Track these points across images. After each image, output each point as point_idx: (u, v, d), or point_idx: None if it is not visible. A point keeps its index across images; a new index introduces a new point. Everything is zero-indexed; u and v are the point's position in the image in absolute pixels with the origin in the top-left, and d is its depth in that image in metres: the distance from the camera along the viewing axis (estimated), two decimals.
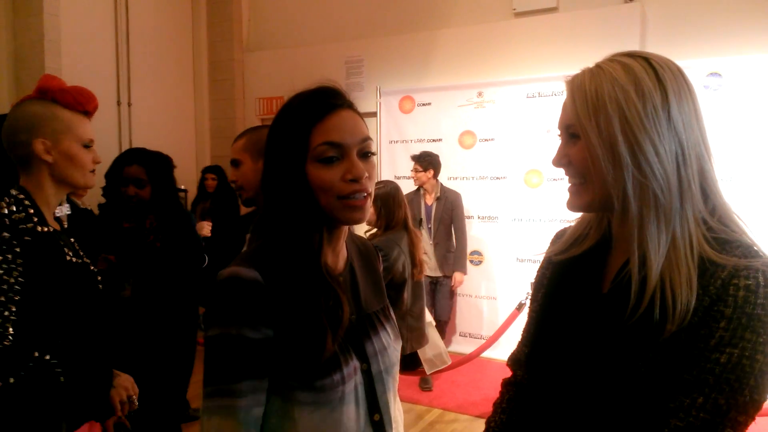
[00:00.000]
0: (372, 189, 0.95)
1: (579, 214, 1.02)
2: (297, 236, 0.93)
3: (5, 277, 1.27)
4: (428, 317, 3.15)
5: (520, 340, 1.12)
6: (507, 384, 1.14)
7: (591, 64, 0.90)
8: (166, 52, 5.82)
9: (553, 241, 1.08)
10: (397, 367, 1.06)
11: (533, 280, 1.11)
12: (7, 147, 1.40)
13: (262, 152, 1.88)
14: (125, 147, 5.28)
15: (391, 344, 1.04)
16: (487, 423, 1.11)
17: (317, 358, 0.89)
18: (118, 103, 5.31)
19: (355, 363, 0.95)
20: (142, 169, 2.43)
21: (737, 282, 0.78)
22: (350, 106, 0.96)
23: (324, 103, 0.93)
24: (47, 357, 1.29)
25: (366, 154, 0.94)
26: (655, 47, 4.41)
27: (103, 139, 5.03)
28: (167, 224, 2.48)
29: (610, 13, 4.46)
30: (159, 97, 5.72)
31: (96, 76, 5.06)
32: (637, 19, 4.38)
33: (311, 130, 0.91)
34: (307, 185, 0.91)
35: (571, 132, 0.89)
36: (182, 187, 5.43)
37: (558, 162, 0.92)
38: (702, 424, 0.78)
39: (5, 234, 1.29)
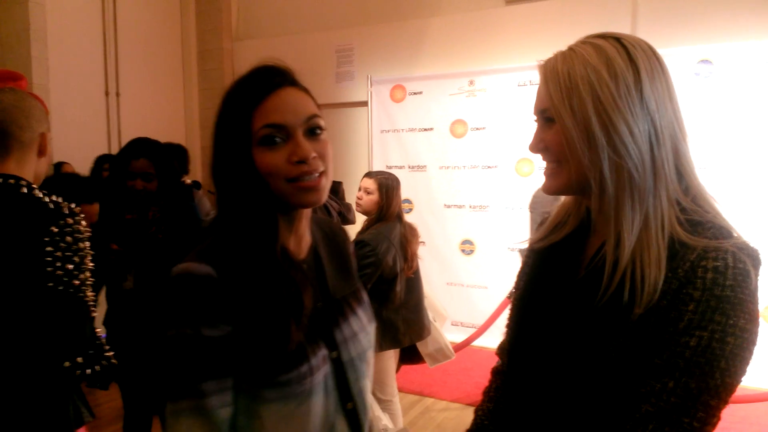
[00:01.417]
0: (327, 168, 0.90)
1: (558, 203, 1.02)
2: (250, 224, 0.89)
3: (85, 263, 1.35)
4: (431, 309, 3.11)
5: (505, 328, 1.12)
6: (495, 372, 1.15)
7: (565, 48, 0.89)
8: (154, 42, 5.76)
9: (536, 230, 1.08)
10: (371, 352, 1.02)
11: (519, 269, 1.11)
12: (7, 128, 1.40)
13: None
14: (113, 137, 5.23)
15: (363, 328, 1.00)
16: (476, 411, 1.12)
17: (282, 351, 0.85)
18: (106, 93, 5.26)
19: (323, 352, 0.91)
20: (149, 163, 2.38)
21: (705, 264, 0.77)
22: (293, 83, 0.91)
23: (262, 83, 0.89)
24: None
25: (314, 132, 0.89)
26: (646, 34, 4.40)
27: (91, 129, 4.99)
28: (170, 216, 2.46)
29: (602, 0, 4.45)
30: (148, 87, 5.67)
31: (83, 66, 5.00)
32: (629, 7, 4.37)
33: (252, 113, 0.87)
34: (255, 171, 0.87)
35: (546, 116, 0.88)
36: (191, 180, 5.36)
37: (535, 147, 0.91)
38: (673, 408, 0.76)
39: (71, 220, 1.34)
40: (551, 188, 0.92)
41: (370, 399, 1.02)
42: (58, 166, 4.35)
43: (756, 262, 0.79)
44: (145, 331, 2.44)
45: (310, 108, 0.90)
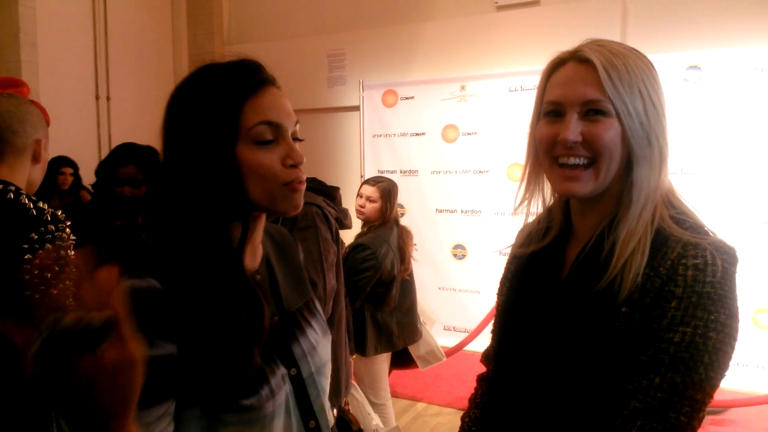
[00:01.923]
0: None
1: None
2: (214, 231, 0.80)
3: (67, 271, 1.31)
4: (420, 313, 3.13)
5: (491, 335, 1.13)
6: (480, 379, 1.15)
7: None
8: (145, 46, 5.74)
9: (517, 236, 1.10)
10: (328, 366, 0.96)
11: (502, 275, 1.12)
12: (2, 126, 1.38)
13: None
14: (104, 142, 5.20)
15: (320, 342, 0.94)
16: (462, 418, 1.13)
17: (241, 374, 0.77)
18: (97, 98, 5.22)
19: (282, 371, 0.84)
20: (137, 170, 2.37)
21: (686, 261, 0.79)
22: (275, 82, 0.85)
23: (252, 76, 0.82)
24: None
25: (296, 138, 0.85)
26: (635, 40, 4.44)
27: (81, 133, 4.95)
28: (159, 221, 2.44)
29: (591, 6, 4.48)
30: (138, 91, 5.64)
31: (74, 70, 4.97)
32: (618, 13, 4.41)
33: (242, 105, 0.79)
34: (236, 169, 0.79)
35: (594, 108, 0.84)
36: None
37: (575, 138, 0.84)
38: (660, 404, 0.78)
39: (52, 227, 1.32)
40: (581, 192, 0.87)
41: (331, 416, 0.96)
42: (56, 165, 4.33)
43: (733, 259, 0.81)
44: None
45: (293, 112, 0.85)
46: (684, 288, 0.78)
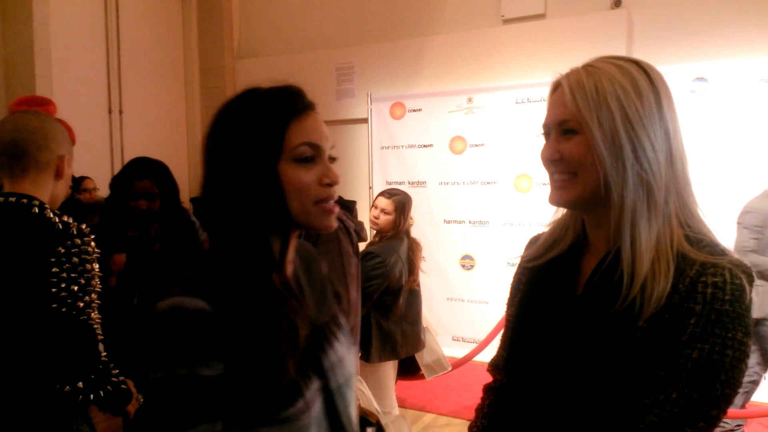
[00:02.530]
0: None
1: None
2: (257, 244, 0.84)
3: (92, 284, 1.35)
4: (425, 323, 3.17)
5: (499, 345, 1.14)
6: (488, 389, 1.15)
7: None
8: (157, 60, 5.82)
9: (528, 246, 1.10)
10: (355, 378, 0.99)
11: (511, 286, 1.12)
12: (25, 147, 1.41)
13: None
14: (116, 155, 5.27)
15: (347, 355, 0.96)
16: (470, 429, 1.13)
17: (278, 387, 0.80)
18: (109, 111, 5.30)
19: (315, 384, 0.87)
20: (153, 184, 2.41)
21: (705, 279, 0.81)
22: (315, 108, 0.92)
23: (297, 101, 0.88)
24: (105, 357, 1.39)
25: (332, 159, 0.91)
26: (641, 52, 4.47)
27: (94, 147, 5.02)
28: (172, 233, 2.48)
29: (597, 19, 4.51)
30: (150, 105, 5.71)
31: (87, 84, 5.05)
32: (624, 25, 4.44)
33: (287, 125, 0.85)
34: (279, 185, 0.84)
35: (566, 128, 0.90)
36: (193, 197, 5.37)
37: (550, 157, 0.92)
38: (677, 419, 0.79)
39: (79, 241, 1.34)
40: (561, 200, 0.94)
41: (357, 427, 0.98)
42: (79, 181, 4.37)
43: (750, 278, 0.83)
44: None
45: (330, 136, 0.91)
46: (703, 305, 0.80)
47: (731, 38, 4.13)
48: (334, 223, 0.90)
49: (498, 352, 1.13)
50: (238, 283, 0.82)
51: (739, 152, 3.93)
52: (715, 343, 0.79)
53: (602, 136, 0.85)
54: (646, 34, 4.41)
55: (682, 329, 0.81)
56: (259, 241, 0.84)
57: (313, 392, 0.86)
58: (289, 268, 0.94)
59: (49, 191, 1.44)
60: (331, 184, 0.88)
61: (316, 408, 0.86)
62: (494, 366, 1.14)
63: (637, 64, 0.90)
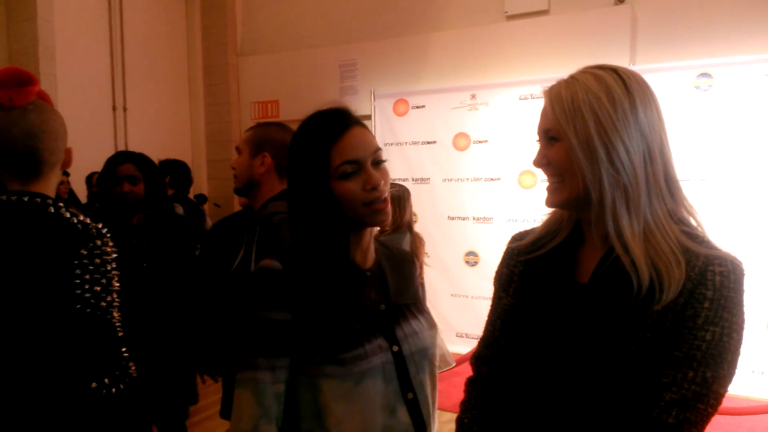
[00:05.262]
0: (388, 192, 1.07)
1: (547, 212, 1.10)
2: (326, 239, 1.06)
3: (113, 284, 1.36)
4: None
5: (482, 338, 1.17)
6: (472, 382, 1.17)
7: (581, 65, 0.99)
8: (161, 57, 5.84)
9: (512, 241, 1.16)
10: (432, 350, 1.15)
11: (500, 278, 1.15)
12: (40, 155, 1.38)
13: (260, 148, 1.91)
14: None
15: (424, 330, 1.14)
16: (459, 421, 1.13)
17: (341, 335, 1.01)
18: (114, 108, 5.33)
19: (380, 342, 1.05)
20: (134, 167, 2.45)
21: (713, 269, 0.89)
22: (358, 122, 1.09)
23: (337, 124, 1.06)
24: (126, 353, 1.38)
25: (378, 163, 1.07)
26: (645, 49, 4.46)
27: (98, 144, 5.03)
28: (157, 226, 2.47)
29: (601, 15, 4.51)
30: (154, 102, 5.73)
31: (91, 82, 5.07)
32: (628, 21, 4.43)
33: (329, 150, 1.04)
34: (333, 198, 1.05)
35: (549, 136, 0.98)
36: (197, 193, 5.38)
37: (538, 162, 1.01)
38: (693, 396, 0.86)
39: (99, 242, 1.34)
40: (553, 202, 1.01)
41: (430, 393, 1.14)
42: (90, 177, 4.40)
43: (744, 271, 0.91)
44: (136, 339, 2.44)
45: (374, 143, 1.09)
46: (714, 291, 0.88)
47: (735, 34, 4.12)
48: (386, 218, 1.07)
49: (480, 345, 1.16)
50: (309, 258, 1.05)
51: (743, 148, 3.93)
52: (724, 326, 0.87)
53: (578, 142, 0.93)
54: (649, 30, 4.40)
55: (696, 313, 0.88)
56: (327, 238, 1.05)
57: (374, 347, 1.04)
58: (368, 258, 1.14)
59: (55, 185, 1.43)
60: (373, 188, 1.04)
61: (377, 361, 1.03)
62: (478, 358, 1.16)
63: (616, 71, 0.96)
